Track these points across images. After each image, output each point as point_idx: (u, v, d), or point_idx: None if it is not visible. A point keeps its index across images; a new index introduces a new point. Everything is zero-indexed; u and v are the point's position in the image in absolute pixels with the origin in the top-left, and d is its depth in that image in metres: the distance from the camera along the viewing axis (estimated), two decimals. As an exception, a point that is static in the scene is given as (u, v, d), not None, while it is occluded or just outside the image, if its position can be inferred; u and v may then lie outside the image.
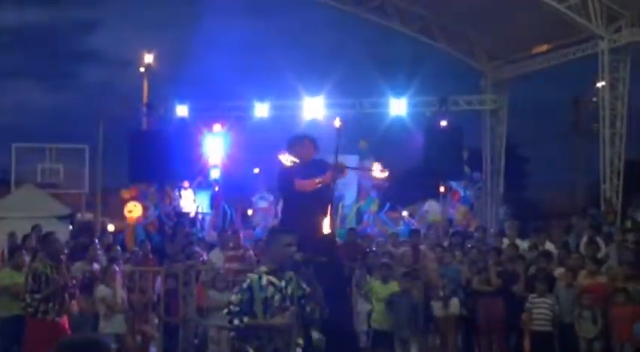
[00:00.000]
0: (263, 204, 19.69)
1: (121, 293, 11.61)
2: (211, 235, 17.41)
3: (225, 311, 5.88)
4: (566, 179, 33.35)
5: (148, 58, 24.99)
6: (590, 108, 22.72)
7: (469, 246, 14.02)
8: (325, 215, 7.80)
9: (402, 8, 22.38)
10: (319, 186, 7.74)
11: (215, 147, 21.27)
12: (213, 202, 20.03)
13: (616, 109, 19.71)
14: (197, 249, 13.90)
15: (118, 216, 21.07)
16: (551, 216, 23.23)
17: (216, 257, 13.51)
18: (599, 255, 13.18)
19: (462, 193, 22.42)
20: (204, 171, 20.90)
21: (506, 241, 14.51)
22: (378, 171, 7.94)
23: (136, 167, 20.46)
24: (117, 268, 11.70)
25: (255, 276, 5.90)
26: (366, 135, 22.26)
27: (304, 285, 6.08)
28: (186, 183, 19.94)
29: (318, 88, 21.57)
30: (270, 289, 5.84)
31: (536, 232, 14.90)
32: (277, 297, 5.84)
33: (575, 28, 19.72)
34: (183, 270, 12.54)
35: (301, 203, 7.83)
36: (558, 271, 12.50)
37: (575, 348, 11.53)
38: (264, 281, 5.85)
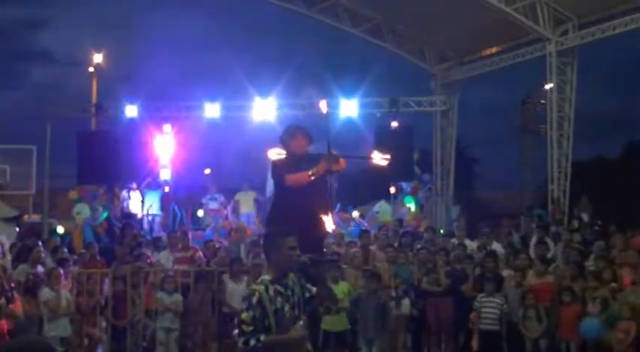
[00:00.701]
0: (213, 205, 19.54)
1: (67, 296, 11.44)
2: (161, 236, 17.25)
3: (237, 331, 5.31)
4: (516, 179, 33.74)
5: (97, 58, 24.71)
6: (538, 110, 22.96)
7: (418, 246, 14.08)
8: (325, 212, 7.15)
9: (352, 10, 22.42)
10: (312, 178, 7.13)
11: (165, 148, 21.09)
12: (163, 203, 19.84)
13: (563, 111, 19.98)
14: (145, 250, 13.76)
15: (66, 217, 20.76)
16: (501, 216, 23.45)
17: (165, 258, 13.39)
18: (549, 255, 13.35)
19: (418, 194, 22.50)
20: (153, 172, 20.69)
21: (455, 241, 14.63)
22: (378, 158, 7.20)
23: (85, 168, 20.21)
24: (62, 271, 11.52)
25: (262, 288, 5.36)
26: (317, 136, 22.23)
27: (309, 286, 5.75)
28: (134, 185, 19.72)
29: (269, 88, 21.53)
30: (279, 299, 5.36)
31: (485, 232, 15.07)
32: (287, 307, 5.39)
33: (524, 30, 19.94)
34: (132, 272, 12.42)
35: (296, 199, 7.25)
36: (507, 271, 12.62)
37: (522, 347, 11.66)
38: (271, 291, 5.35)
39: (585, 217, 17.20)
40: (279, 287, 5.40)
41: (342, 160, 7.29)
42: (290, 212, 7.14)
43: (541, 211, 19.00)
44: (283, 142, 7.62)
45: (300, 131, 7.80)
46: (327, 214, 7.02)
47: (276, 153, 7.29)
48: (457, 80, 23.29)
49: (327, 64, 21.05)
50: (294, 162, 7.35)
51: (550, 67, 19.84)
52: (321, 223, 6.98)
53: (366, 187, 22.74)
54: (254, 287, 5.48)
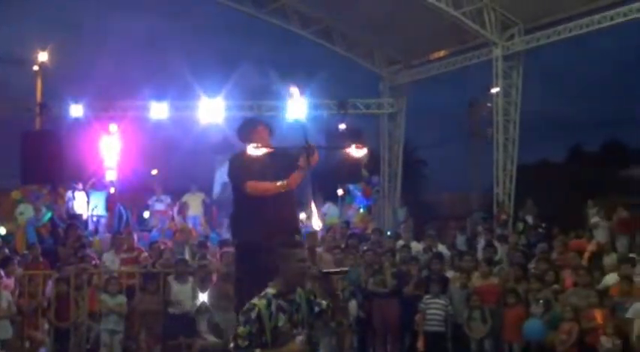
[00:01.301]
0: (160, 207, 19.35)
1: (8, 298, 11.24)
2: (106, 238, 17.04)
3: (232, 345, 5.04)
4: (463, 182, 34.03)
5: (42, 57, 24.31)
6: (485, 114, 23.18)
7: (365, 248, 14.12)
8: (297, 207, 6.80)
9: (301, 11, 22.42)
10: (283, 190, 6.65)
11: (111, 148, 20.84)
12: (109, 204, 19.59)
13: (509, 115, 20.23)
14: (90, 251, 13.60)
15: (9, 218, 20.39)
16: (447, 218, 23.66)
17: (109, 260, 13.24)
18: (497, 258, 13.50)
19: (366, 196, 22.56)
20: (98, 173, 20.42)
21: (401, 243, 14.71)
22: (354, 150, 6.64)
23: (28, 168, 19.86)
24: (2, 272, 11.32)
25: (263, 303, 5.04)
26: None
27: (318, 300, 5.38)
28: (79, 185, 19.43)
29: (218, 89, 21.40)
30: (281, 316, 5.05)
31: (431, 234, 15.19)
32: (287, 325, 5.07)
33: (471, 34, 20.15)
34: (75, 274, 12.24)
35: (265, 205, 6.70)
36: (452, 273, 12.73)
37: (466, 348, 11.76)
38: (273, 307, 5.04)
39: (530, 219, 17.43)
40: (282, 303, 5.08)
41: (316, 153, 6.65)
42: (262, 219, 6.61)
43: (483, 214, 19.19)
44: (243, 137, 7.03)
45: (261, 122, 7.28)
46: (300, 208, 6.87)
47: (257, 148, 6.59)
48: (405, 83, 23.43)
49: (277, 65, 21.00)
50: (261, 161, 6.68)
51: (496, 71, 20.08)
52: (297, 229, 6.76)
53: (313, 189, 22.72)
54: (255, 301, 5.10)
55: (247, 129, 7.06)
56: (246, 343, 4.96)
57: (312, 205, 6.96)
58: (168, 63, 20.17)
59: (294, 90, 7.44)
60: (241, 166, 6.84)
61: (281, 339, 5.03)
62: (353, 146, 6.67)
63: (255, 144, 6.56)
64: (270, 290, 5.12)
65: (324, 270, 5.78)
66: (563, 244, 13.81)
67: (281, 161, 6.80)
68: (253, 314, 4.98)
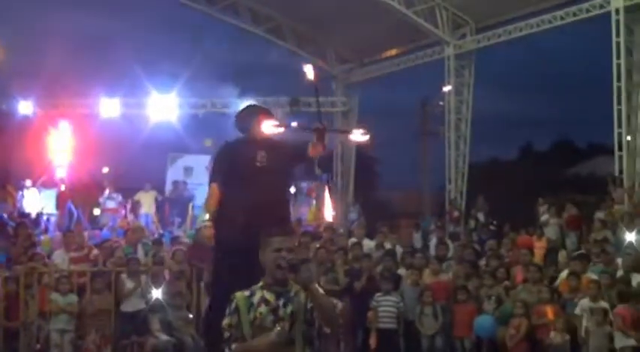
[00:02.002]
0: (111, 205, 19.17)
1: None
2: (57, 236, 16.82)
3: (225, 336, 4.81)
4: (416, 180, 34.23)
5: (-10, 54, 23.88)
6: (437, 112, 23.35)
7: (317, 245, 14.13)
8: (287, 197, 6.45)
9: (253, 9, 22.39)
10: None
11: (61, 146, 20.58)
12: (59, 202, 19.34)
13: (461, 113, 20.42)
14: (39, 250, 13.41)
15: (-44, 217, 20.04)
16: (400, 216, 23.77)
17: (60, 258, 13.06)
18: (449, 255, 13.59)
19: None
20: (49, 170, 20.17)
21: (354, 240, 14.75)
22: (358, 135, 6.45)
23: (-24, 165, 19.58)
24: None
25: (242, 294, 4.79)
26: (218, 136, 22.10)
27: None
28: (29, 183, 19.16)
29: (170, 86, 21.25)
30: (263, 308, 4.72)
31: (382, 231, 15.26)
32: (270, 318, 4.72)
33: (423, 33, 20.28)
34: (25, 273, 12.06)
35: (250, 184, 6.24)
36: (403, 270, 12.79)
37: (418, 345, 11.83)
38: (255, 298, 4.76)
39: (481, 217, 17.61)
40: (268, 295, 4.76)
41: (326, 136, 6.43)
42: (241, 211, 6.16)
43: (428, 216, 19.32)
44: (241, 126, 6.57)
45: (261, 110, 6.78)
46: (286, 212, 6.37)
47: (274, 125, 6.35)
48: (358, 81, 23.51)
49: (229, 62, 20.93)
50: (247, 156, 6.29)
51: (448, 70, 20.25)
52: (283, 218, 6.22)
53: (328, 178, 22.69)
54: (236, 293, 4.87)
55: (247, 118, 6.57)
56: (227, 335, 4.78)
57: (326, 195, 6.88)
58: (119, 60, 19.94)
59: (308, 69, 6.72)
60: (222, 161, 6.47)
61: (259, 332, 4.70)
62: (359, 131, 6.56)
63: (273, 122, 6.40)
64: (261, 282, 4.86)
65: (291, 262, 5.58)
66: (512, 241, 13.99)
67: (276, 155, 6.40)
68: (233, 306, 4.80)
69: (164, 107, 21.28)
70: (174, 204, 19.64)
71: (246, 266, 5.49)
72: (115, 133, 21.46)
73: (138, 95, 21.66)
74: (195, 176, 21.71)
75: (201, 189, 21.49)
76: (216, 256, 6.56)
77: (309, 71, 6.72)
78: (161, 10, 21.37)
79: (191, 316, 12.01)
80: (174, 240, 15.14)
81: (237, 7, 22.33)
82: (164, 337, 10.89)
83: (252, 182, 6.27)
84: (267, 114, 6.65)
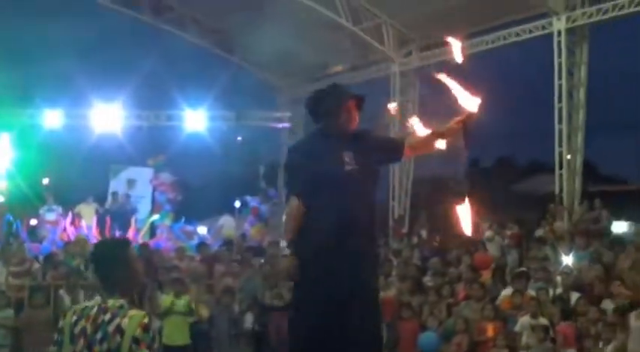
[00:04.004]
0: (51, 217, 18.85)
1: None
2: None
3: None
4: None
5: None
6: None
7: (262, 261, 14.09)
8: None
9: (200, 21, 22.26)
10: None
11: (0, 156, 20.19)
12: (-4, 213, 18.97)
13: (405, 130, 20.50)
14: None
15: None
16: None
17: (-2, 272, 12.81)
18: (394, 272, 13.62)
19: (260, 208, 22.53)
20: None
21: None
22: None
23: None
24: None
25: (69, 319, 3.87)
26: (162, 148, 21.93)
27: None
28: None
29: (114, 97, 21.01)
30: (80, 343, 3.78)
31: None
32: (82, 342, 3.78)
33: (370, 50, 20.39)
34: (-39, 286, 11.80)
35: (337, 196, 4.81)
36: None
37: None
38: (79, 327, 3.81)
39: (424, 233, 17.69)
40: (88, 324, 3.79)
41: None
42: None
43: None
44: (322, 111, 5.05)
45: (351, 94, 5.22)
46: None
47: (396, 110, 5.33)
48: (303, 96, 23.48)
49: (174, 74, 20.75)
50: (344, 145, 4.92)
51: (394, 87, 20.38)
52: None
53: (211, 201, 22.57)
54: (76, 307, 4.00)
55: (332, 102, 5.08)
56: None
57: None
58: (62, 70, 19.62)
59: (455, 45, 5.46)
60: (298, 167, 4.97)
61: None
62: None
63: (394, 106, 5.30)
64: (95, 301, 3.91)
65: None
66: (458, 257, 14.08)
67: (365, 154, 5.03)
68: (56, 334, 3.94)
69: (108, 118, 21.04)
70: (115, 217, 19.38)
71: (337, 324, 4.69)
72: (58, 144, 21.12)
73: (82, 106, 21.37)
74: (138, 188, 21.49)
75: (144, 201, 21.29)
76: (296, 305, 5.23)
77: (456, 48, 5.44)
78: (105, 20, 21.07)
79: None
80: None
81: (183, 20, 22.18)
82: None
83: (340, 193, 4.83)
84: (361, 101, 5.22)
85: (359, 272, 4.86)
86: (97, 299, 3.89)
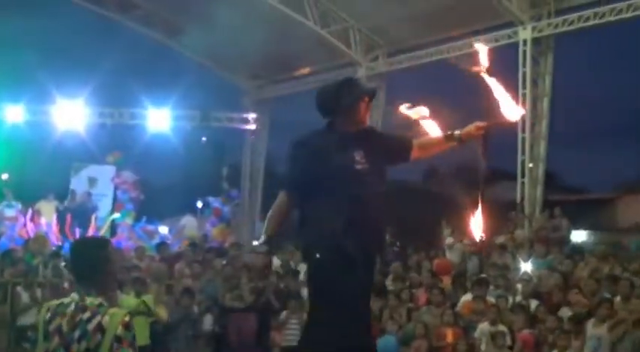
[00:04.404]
0: (10, 213, 18.64)
1: None
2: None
3: None
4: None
5: None
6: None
7: (223, 262, 14.03)
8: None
9: (168, 20, 22.12)
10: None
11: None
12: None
13: (371, 134, 20.58)
14: None
15: None
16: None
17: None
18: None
19: (223, 209, 22.48)
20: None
21: (260, 258, 14.65)
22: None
23: None
24: None
25: (42, 315, 3.79)
26: (126, 147, 21.78)
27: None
28: None
29: (78, 94, 20.79)
30: (55, 341, 3.70)
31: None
32: (57, 339, 3.70)
33: (337, 53, 20.42)
34: None
35: (348, 198, 4.55)
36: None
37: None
38: (54, 325, 3.72)
39: (387, 238, 17.72)
40: (63, 322, 3.71)
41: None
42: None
43: None
44: (333, 107, 4.80)
45: (367, 91, 4.90)
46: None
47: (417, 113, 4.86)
48: (269, 98, 23.49)
49: (139, 72, 20.62)
50: (337, 154, 4.63)
51: (360, 91, 20.41)
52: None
53: (173, 201, 22.48)
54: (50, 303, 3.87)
55: (346, 98, 4.78)
56: None
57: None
58: (25, 65, 19.40)
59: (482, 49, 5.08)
60: (301, 162, 4.72)
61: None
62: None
63: (407, 107, 4.91)
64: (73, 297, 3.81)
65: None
66: (418, 263, 14.14)
67: (376, 152, 4.76)
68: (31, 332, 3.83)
69: (71, 115, 20.82)
70: (76, 215, 19.21)
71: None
72: (18, 140, 20.87)
73: (44, 102, 21.13)
74: (100, 187, 21.32)
75: (105, 200, 21.12)
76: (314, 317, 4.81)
77: (482, 52, 5.06)
78: (70, 15, 20.85)
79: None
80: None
81: (151, 18, 22.03)
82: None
83: (350, 193, 4.59)
84: (374, 97, 4.93)
85: (371, 275, 4.82)
86: (74, 296, 3.79)
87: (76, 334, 3.64)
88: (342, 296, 4.49)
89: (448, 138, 4.93)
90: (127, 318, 3.70)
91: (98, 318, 3.66)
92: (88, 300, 3.72)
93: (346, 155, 4.64)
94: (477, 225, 4.91)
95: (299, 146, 4.79)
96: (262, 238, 4.74)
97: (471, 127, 4.91)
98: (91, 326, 3.63)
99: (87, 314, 3.67)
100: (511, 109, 4.82)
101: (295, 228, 4.75)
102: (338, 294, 4.49)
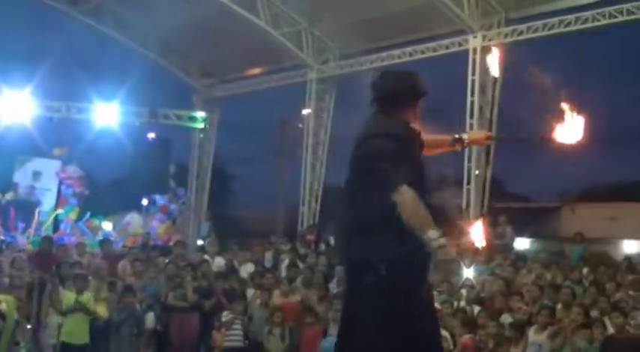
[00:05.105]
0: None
1: None
2: None
3: None
4: (270, 199, 34.27)
5: None
6: (295, 133, 23.51)
7: (167, 260, 13.92)
8: None
9: (118, 14, 21.88)
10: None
11: None
12: None
13: (319, 137, 20.62)
14: None
15: None
16: (252, 235, 23.73)
17: None
18: (299, 278, 13.61)
19: (170, 207, 22.33)
20: None
21: (205, 257, 14.63)
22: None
23: None
24: None
25: None
26: (72, 141, 21.49)
27: None
28: None
29: (24, 86, 20.38)
30: None
31: (233, 250, 15.21)
32: None
33: (289, 55, 20.43)
34: None
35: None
36: (252, 290, 12.77)
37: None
38: None
39: (332, 241, 17.76)
40: None
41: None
42: None
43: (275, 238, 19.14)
44: (411, 101, 4.48)
45: (424, 91, 4.58)
46: None
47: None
48: (219, 97, 23.40)
49: (90, 66, 20.36)
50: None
51: (309, 93, 20.45)
52: None
53: (118, 197, 22.27)
54: None
55: (406, 94, 4.48)
56: None
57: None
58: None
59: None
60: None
61: None
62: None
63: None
64: None
65: None
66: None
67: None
68: None
69: (16, 107, 20.42)
70: (18, 208, 18.91)
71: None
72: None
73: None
74: (44, 181, 21.01)
75: (49, 194, 20.81)
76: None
77: (494, 59, 5.10)
78: (17, 4, 20.47)
79: (29, 327, 11.55)
80: (10, 246, 14.56)
81: (100, 11, 21.77)
82: None
83: (427, 190, 4.40)
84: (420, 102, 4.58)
85: None
86: None
87: None
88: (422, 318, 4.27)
89: (455, 141, 4.83)
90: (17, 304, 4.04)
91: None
92: None
93: (420, 151, 4.49)
94: (477, 232, 4.80)
95: (401, 139, 4.33)
96: (434, 233, 4.10)
97: (480, 135, 4.90)
98: None
99: None
100: (571, 131, 4.65)
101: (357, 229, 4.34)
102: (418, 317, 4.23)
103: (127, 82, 20.97)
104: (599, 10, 15.35)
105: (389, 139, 4.25)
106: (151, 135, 22.75)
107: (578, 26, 15.70)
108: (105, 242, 15.41)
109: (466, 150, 16.96)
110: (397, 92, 4.46)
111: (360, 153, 4.35)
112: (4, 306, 3.99)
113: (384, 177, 4.11)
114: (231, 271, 13.81)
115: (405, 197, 4.04)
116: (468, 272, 13.06)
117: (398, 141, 4.26)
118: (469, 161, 17.01)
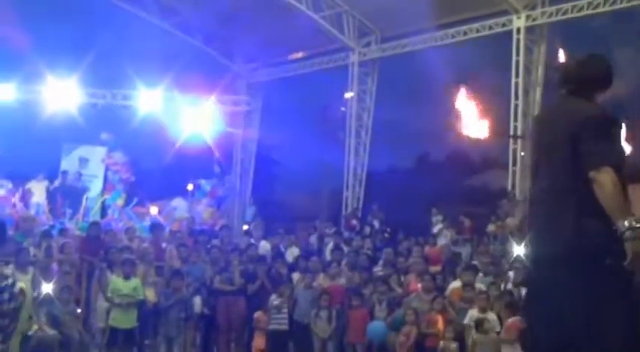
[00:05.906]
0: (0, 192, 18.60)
1: None
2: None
3: None
4: (314, 184, 34.26)
5: None
6: (339, 118, 23.47)
7: (212, 245, 14.05)
8: None
9: (161, 1, 21.98)
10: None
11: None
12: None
13: (362, 120, 20.59)
14: None
15: None
16: (297, 219, 23.80)
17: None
18: (344, 261, 13.66)
19: (215, 192, 22.45)
20: None
21: (252, 241, 14.74)
22: None
23: None
24: None
25: None
26: (117, 128, 21.65)
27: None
28: None
29: (69, 74, 20.61)
30: None
31: (279, 234, 15.28)
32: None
33: (330, 39, 20.38)
34: None
35: None
36: (297, 273, 12.85)
37: (310, 348, 11.88)
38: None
39: (376, 224, 17.78)
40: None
41: None
42: None
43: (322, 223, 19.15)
44: (596, 85, 4.39)
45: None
46: None
47: None
48: (263, 82, 23.44)
49: (134, 54, 20.44)
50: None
51: (352, 77, 20.41)
52: None
53: (164, 183, 22.42)
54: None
55: (599, 87, 4.43)
56: None
57: None
58: (16, 44, 19.24)
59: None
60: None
61: None
62: None
63: None
64: None
65: None
66: (409, 249, 14.17)
67: None
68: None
69: (62, 95, 20.67)
70: (66, 195, 19.16)
71: None
72: (9, 119, 20.71)
73: (36, 81, 20.96)
74: (91, 167, 21.25)
75: (95, 181, 21.05)
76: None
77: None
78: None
79: (79, 311, 11.75)
80: (63, 232, 14.74)
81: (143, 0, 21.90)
82: (50, 331, 10.59)
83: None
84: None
85: None
86: None
87: (5, 296, 4.47)
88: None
89: None
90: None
91: (19, 284, 4.62)
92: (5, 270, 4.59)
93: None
94: None
95: (615, 121, 4.21)
96: (629, 222, 3.86)
97: None
98: (16, 290, 4.54)
99: (10, 280, 4.54)
100: None
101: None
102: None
103: (171, 69, 21.05)
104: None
105: (606, 119, 4.14)
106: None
107: (624, 4, 15.44)
108: (156, 226, 15.51)
109: (511, 131, 16.90)
110: (596, 78, 4.39)
111: (570, 129, 4.13)
112: (23, 285, 4.74)
113: (595, 153, 4.00)
114: (277, 255, 13.90)
115: (608, 177, 3.94)
116: (518, 250, 12.90)
117: (616, 124, 4.19)
118: (514, 143, 16.89)
